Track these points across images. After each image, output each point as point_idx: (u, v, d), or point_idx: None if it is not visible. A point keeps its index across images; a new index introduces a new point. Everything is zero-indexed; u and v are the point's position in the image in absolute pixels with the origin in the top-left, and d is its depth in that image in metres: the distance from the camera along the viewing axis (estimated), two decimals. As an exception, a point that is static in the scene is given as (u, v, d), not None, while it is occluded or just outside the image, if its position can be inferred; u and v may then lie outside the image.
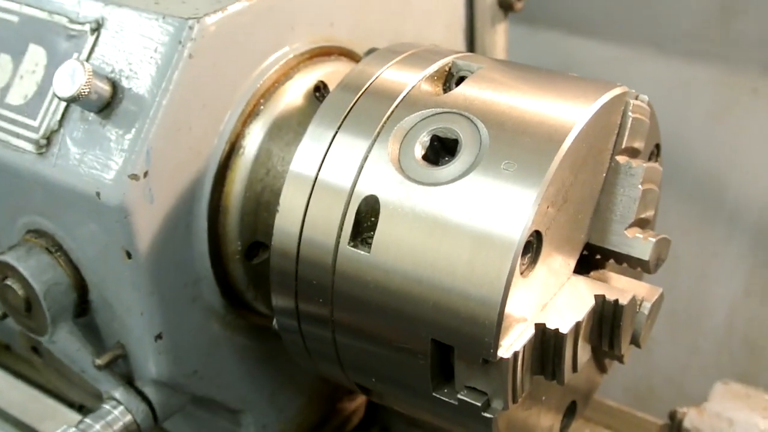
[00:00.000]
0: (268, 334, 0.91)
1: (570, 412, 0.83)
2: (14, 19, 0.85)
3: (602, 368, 0.86)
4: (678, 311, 1.75)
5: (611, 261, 0.76)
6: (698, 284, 1.73)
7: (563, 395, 0.80)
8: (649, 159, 0.81)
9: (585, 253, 0.76)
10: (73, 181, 0.77)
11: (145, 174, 0.74)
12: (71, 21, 0.81)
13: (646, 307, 0.75)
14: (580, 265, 0.75)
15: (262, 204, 0.81)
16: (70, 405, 1.02)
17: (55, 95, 0.77)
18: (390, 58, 0.78)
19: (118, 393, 0.84)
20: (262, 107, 0.82)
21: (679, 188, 1.65)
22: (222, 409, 0.95)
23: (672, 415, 1.00)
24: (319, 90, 0.85)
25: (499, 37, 1.07)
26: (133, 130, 0.75)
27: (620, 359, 0.81)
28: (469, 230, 0.66)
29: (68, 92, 0.74)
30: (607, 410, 1.05)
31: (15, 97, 0.83)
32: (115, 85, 0.76)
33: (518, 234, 0.64)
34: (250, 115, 0.82)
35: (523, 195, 0.65)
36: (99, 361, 0.83)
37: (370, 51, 0.82)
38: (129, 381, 0.85)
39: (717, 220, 1.68)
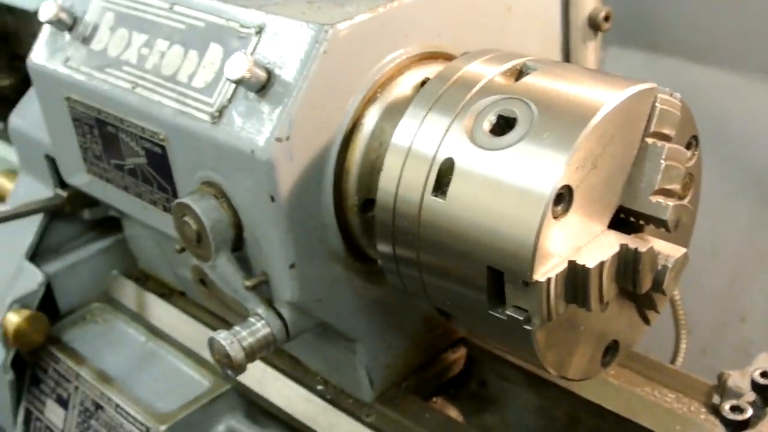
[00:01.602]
0: (380, 279, 1.15)
1: (612, 350, 1.02)
2: (201, 24, 1.14)
3: (645, 319, 1.04)
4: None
5: (650, 227, 0.96)
6: None
7: (604, 330, 0.99)
8: (688, 147, 0.99)
9: (623, 216, 0.95)
10: (236, 143, 1.03)
11: (287, 138, 1.00)
12: (241, 26, 1.09)
13: (670, 260, 0.94)
14: (622, 229, 0.95)
15: (376, 169, 1.05)
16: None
17: (226, 79, 1.05)
18: (477, 57, 1.01)
19: (261, 309, 1.09)
20: (379, 95, 1.06)
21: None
22: (340, 338, 1.19)
23: (719, 376, 1.16)
24: (425, 84, 1.08)
25: (590, 53, 1.27)
26: (281, 105, 1.01)
27: (654, 307, 1.00)
28: (517, 182, 0.87)
29: (235, 75, 1.01)
30: (662, 369, 1.22)
31: (199, 82, 1.10)
32: (269, 73, 1.02)
33: (551, 185, 0.85)
34: (369, 101, 1.06)
35: (556, 156, 0.86)
36: (248, 283, 1.09)
37: (465, 53, 1.05)
38: (269, 302, 1.11)
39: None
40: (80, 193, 1.47)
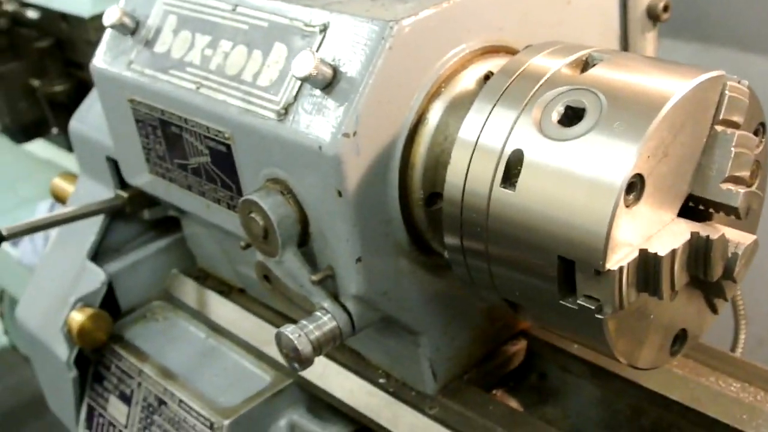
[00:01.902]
0: (446, 271, 1.16)
1: (680, 339, 1.02)
2: (265, 24, 1.15)
3: (713, 308, 1.04)
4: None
5: (719, 215, 0.96)
6: None
7: (673, 319, 0.99)
8: (756, 134, 0.99)
9: (691, 204, 0.95)
10: (302, 140, 1.05)
11: (354, 133, 1.02)
12: (306, 24, 1.10)
13: (740, 247, 0.94)
14: (691, 217, 0.95)
15: (441, 163, 1.06)
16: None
17: (293, 76, 1.06)
18: (541, 50, 1.02)
19: (327, 304, 1.11)
20: (443, 89, 1.07)
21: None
22: (404, 331, 1.20)
23: (786, 366, 1.16)
24: (488, 78, 1.09)
25: (648, 44, 1.27)
26: (347, 102, 1.02)
27: (723, 296, 1.00)
28: (588, 171, 0.88)
29: (302, 73, 1.02)
30: (726, 359, 1.22)
31: (264, 80, 1.12)
32: (335, 70, 1.04)
33: (623, 174, 0.86)
34: (433, 95, 1.07)
35: (628, 145, 0.86)
36: (314, 278, 1.10)
37: (528, 46, 1.05)
38: (335, 296, 1.12)
39: None
40: (141, 194, 1.50)
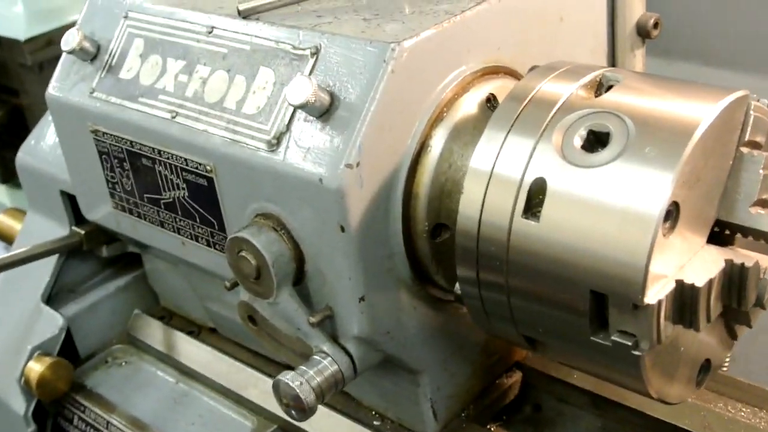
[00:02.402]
0: (445, 305, 1.10)
1: (704, 370, 0.98)
2: (246, 47, 1.08)
3: (732, 334, 1.00)
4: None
5: (743, 239, 0.92)
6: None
7: (699, 350, 0.95)
8: (774, 153, 0.96)
9: (716, 230, 0.91)
10: (298, 172, 0.97)
11: (357, 164, 0.95)
12: (294, 47, 1.03)
13: (770, 273, 0.90)
14: (713, 242, 0.91)
15: (445, 192, 1.00)
16: (278, 365, 1.22)
17: (287, 103, 0.99)
18: (548, 72, 0.96)
19: (326, 347, 1.03)
20: (445, 114, 1.01)
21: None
22: (401, 370, 1.13)
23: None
24: (490, 101, 1.03)
25: (637, 61, 1.24)
26: (347, 130, 0.95)
27: (748, 322, 0.96)
28: (621, 199, 0.83)
29: (298, 100, 0.95)
30: (733, 383, 1.18)
31: (249, 108, 1.04)
32: (332, 96, 0.97)
33: (661, 202, 0.80)
34: (435, 121, 1.01)
35: (664, 172, 0.81)
36: (312, 319, 1.02)
37: (533, 68, 1.00)
38: (334, 338, 1.05)
39: None
40: (98, 229, 1.40)
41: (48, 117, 1.48)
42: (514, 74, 1.08)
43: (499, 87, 1.04)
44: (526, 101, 0.94)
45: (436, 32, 0.99)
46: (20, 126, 2.13)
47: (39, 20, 1.95)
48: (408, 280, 1.05)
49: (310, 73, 1.00)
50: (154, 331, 1.46)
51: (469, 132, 1.01)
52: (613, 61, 1.25)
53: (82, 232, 1.41)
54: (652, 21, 1.21)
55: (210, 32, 1.12)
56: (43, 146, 1.45)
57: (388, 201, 0.99)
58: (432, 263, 1.04)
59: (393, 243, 1.01)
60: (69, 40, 1.21)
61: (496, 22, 1.06)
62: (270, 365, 1.32)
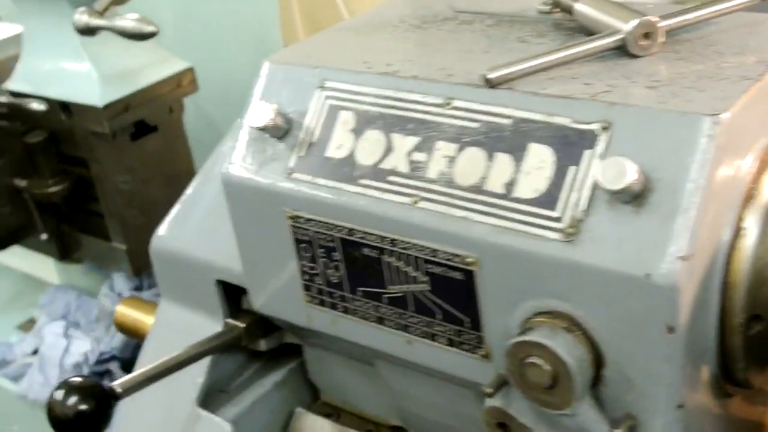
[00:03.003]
0: (726, 401, 0.98)
1: None
2: (505, 122, 0.95)
3: None
4: None
5: None
6: None
7: None
8: None
9: None
10: (612, 265, 0.85)
11: (692, 255, 0.82)
12: (575, 121, 0.91)
13: None
14: None
15: (762, 279, 0.88)
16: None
17: (584, 187, 0.86)
18: None
19: (627, 461, 0.90)
20: (754, 192, 0.90)
21: None
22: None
23: None
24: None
25: None
26: (675, 216, 0.83)
27: None
28: None
29: (617, 185, 0.82)
30: None
31: (524, 192, 0.91)
32: (646, 177, 0.85)
33: None
34: (746, 200, 0.89)
35: None
36: (617, 431, 0.89)
37: None
38: (631, 450, 0.92)
39: None
40: (259, 322, 1.25)
41: (187, 197, 1.33)
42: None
43: (799, 156, 0.93)
44: None
45: (747, 101, 0.88)
46: (84, 198, 1.96)
47: (114, 84, 1.78)
48: (714, 379, 0.92)
49: (605, 151, 0.88)
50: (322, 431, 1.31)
51: (782, 210, 0.89)
52: None
53: (242, 325, 1.25)
54: None
55: (447, 104, 0.98)
56: (188, 229, 1.29)
57: (706, 293, 0.87)
58: (741, 359, 0.92)
59: (706, 339, 0.89)
60: (262, 116, 1.06)
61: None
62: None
